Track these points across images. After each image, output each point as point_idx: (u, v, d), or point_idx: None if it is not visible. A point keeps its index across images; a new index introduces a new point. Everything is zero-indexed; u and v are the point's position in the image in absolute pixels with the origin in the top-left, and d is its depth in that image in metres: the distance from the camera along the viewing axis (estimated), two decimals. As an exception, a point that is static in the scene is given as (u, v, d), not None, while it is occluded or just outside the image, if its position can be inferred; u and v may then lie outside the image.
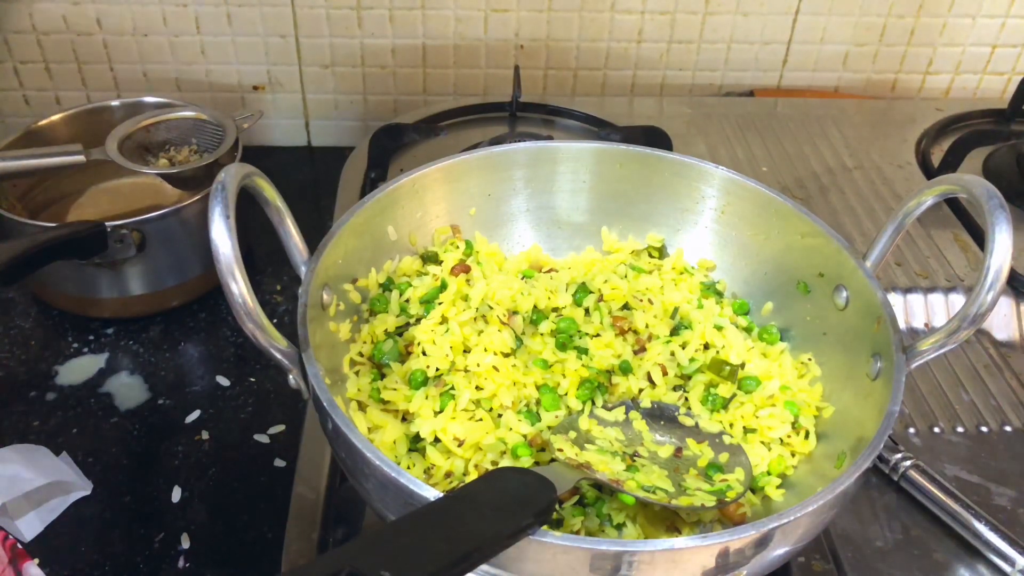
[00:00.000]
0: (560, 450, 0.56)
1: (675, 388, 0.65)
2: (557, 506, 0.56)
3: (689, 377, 0.65)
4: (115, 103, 0.97)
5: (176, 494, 0.72)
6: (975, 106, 1.13)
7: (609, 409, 0.62)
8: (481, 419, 0.59)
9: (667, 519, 0.57)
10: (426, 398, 0.60)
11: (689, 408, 0.63)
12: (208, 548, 0.68)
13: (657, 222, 0.75)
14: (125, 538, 0.69)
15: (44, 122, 0.93)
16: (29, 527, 0.68)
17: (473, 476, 0.57)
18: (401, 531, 0.39)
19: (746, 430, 0.62)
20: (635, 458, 0.58)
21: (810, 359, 0.66)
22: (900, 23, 1.15)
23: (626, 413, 0.62)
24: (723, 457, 0.60)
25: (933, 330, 0.62)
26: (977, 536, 0.63)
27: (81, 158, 0.85)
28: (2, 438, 0.75)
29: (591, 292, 0.69)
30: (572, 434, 0.59)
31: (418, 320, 0.66)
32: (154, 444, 0.77)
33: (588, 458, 0.56)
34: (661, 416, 0.63)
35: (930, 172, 1.02)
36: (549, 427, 0.60)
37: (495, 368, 0.62)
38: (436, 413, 0.60)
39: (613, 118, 1.07)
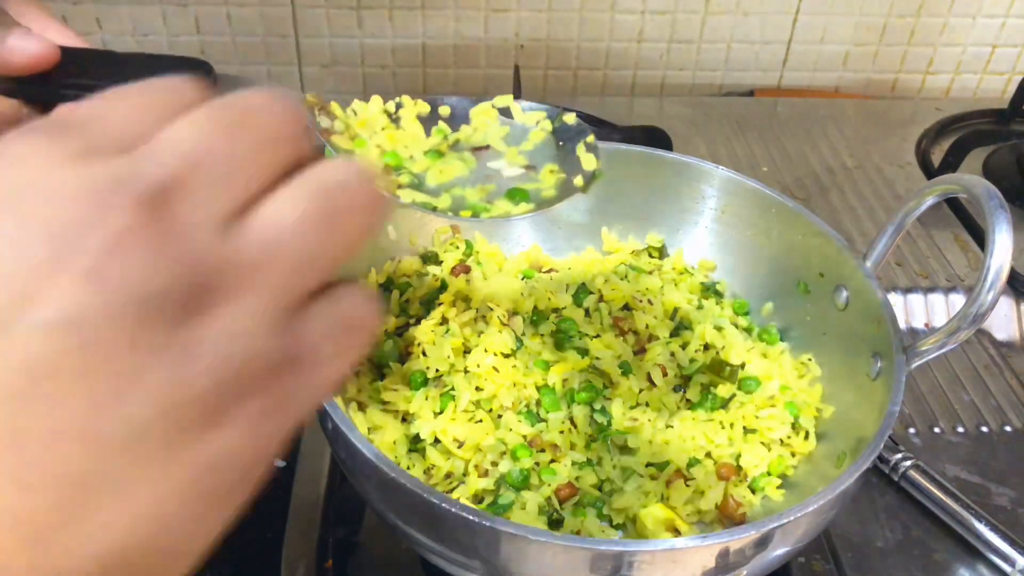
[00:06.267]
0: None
1: (675, 388, 0.65)
2: (557, 505, 0.56)
3: (689, 377, 0.65)
4: (115, 103, 0.97)
5: (176, 494, 0.72)
6: (975, 106, 1.13)
7: (526, 111, 0.53)
8: (481, 420, 0.59)
9: (667, 520, 0.57)
10: (426, 399, 0.60)
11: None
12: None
13: (657, 222, 0.75)
14: (125, 538, 0.69)
15: (44, 122, 0.93)
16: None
17: (473, 477, 0.58)
18: None
19: (746, 430, 0.62)
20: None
21: (810, 359, 0.66)
22: (900, 23, 1.15)
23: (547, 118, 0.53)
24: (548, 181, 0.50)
25: (933, 330, 0.62)
26: (977, 536, 0.63)
27: (81, 158, 0.85)
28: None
29: (591, 292, 0.69)
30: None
31: (418, 320, 0.66)
32: (154, 444, 0.76)
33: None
34: (568, 138, 0.52)
35: (930, 172, 1.02)
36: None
37: (495, 369, 0.62)
38: (436, 414, 0.60)
39: (613, 118, 1.07)
